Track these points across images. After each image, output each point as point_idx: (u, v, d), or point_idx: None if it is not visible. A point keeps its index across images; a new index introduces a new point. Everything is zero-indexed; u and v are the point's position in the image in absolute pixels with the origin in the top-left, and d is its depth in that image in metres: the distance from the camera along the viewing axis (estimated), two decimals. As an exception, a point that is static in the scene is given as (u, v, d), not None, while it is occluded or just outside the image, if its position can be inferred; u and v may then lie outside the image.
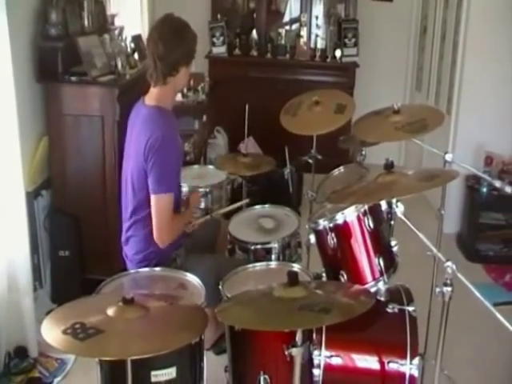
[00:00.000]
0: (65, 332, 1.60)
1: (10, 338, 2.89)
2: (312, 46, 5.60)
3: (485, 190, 4.17)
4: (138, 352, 1.59)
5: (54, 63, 3.24)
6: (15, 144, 2.82)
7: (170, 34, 2.47)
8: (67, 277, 3.39)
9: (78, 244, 3.40)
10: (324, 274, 2.44)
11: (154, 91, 2.56)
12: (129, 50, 3.90)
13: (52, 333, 1.62)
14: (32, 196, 3.20)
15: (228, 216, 3.15)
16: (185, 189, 3.13)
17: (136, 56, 3.90)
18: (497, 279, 3.91)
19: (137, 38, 4.06)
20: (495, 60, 4.28)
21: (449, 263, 1.83)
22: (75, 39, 3.33)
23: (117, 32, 3.90)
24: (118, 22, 4.06)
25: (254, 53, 5.59)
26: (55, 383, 2.86)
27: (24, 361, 2.88)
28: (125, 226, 2.65)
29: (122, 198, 2.65)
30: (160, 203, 2.46)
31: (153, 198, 2.47)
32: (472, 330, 3.28)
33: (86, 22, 3.58)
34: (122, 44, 3.86)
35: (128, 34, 4.04)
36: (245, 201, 3.20)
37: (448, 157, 2.59)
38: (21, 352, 2.91)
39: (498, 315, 1.62)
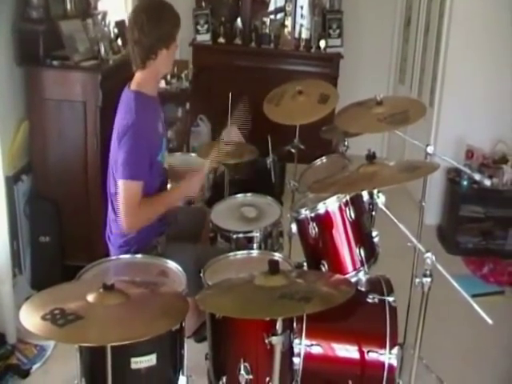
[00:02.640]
0: (44, 318, 1.59)
1: (-12, 324, 2.87)
2: (296, 35, 5.59)
3: (465, 183, 4.21)
4: (117, 338, 1.58)
5: (35, 46, 3.19)
6: (-5, 128, 2.79)
7: (145, 18, 2.43)
8: (47, 263, 3.37)
9: (58, 230, 3.38)
10: (305, 264, 2.45)
11: (136, 76, 2.54)
12: (112, 35, 3.86)
13: (31, 318, 1.60)
14: (12, 181, 3.17)
15: (210, 204, 3.14)
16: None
17: (119, 42, 3.86)
18: (475, 271, 3.95)
19: (120, 24, 4.01)
20: (478, 54, 4.30)
21: (428, 254, 1.85)
22: (57, 23, 3.28)
23: (100, 17, 3.86)
24: (101, 7, 4.01)
25: (239, 41, 5.57)
26: (34, 370, 2.85)
27: (2, 347, 2.85)
28: (109, 209, 2.63)
29: (108, 181, 2.63)
30: (124, 189, 2.42)
31: (118, 182, 2.43)
32: (450, 321, 3.32)
33: (68, 6, 3.53)
34: (105, 29, 3.82)
35: (111, 20, 3.99)
36: None
37: (429, 149, 2.61)
38: (-1, 338, 2.89)
39: (476, 306, 1.65)
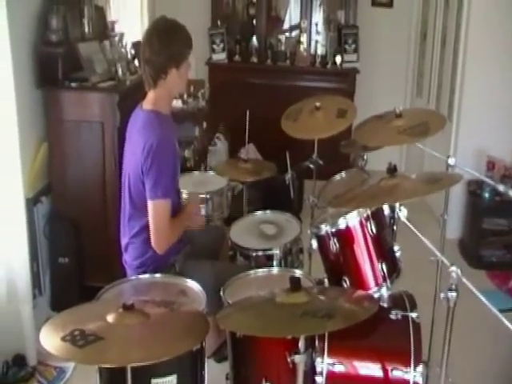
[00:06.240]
0: (64, 339, 1.58)
1: (9, 346, 2.87)
2: (312, 52, 5.60)
3: (487, 195, 4.15)
4: (138, 359, 1.56)
5: (54, 69, 3.23)
6: (15, 150, 2.81)
7: (157, 37, 2.46)
8: (67, 284, 3.37)
9: (77, 251, 3.38)
10: (326, 280, 2.42)
11: (149, 95, 2.55)
12: (129, 56, 3.89)
13: (51, 340, 1.59)
14: (31, 202, 3.18)
15: (229, 222, 3.12)
16: (185, 195, 3.10)
17: (136, 62, 3.89)
18: (500, 285, 3.88)
19: (137, 45, 4.04)
20: (495, 65, 4.28)
21: (453, 268, 1.81)
22: (76, 45, 3.33)
23: (117, 38, 3.89)
24: (118, 29, 4.05)
25: (254, 59, 5.59)
26: (54, 392, 2.84)
27: (22, 369, 2.85)
28: (123, 232, 2.62)
29: (122, 204, 2.63)
30: (157, 209, 2.44)
31: (149, 203, 2.44)
32: (475, 337, 3.25)
33: (86, 29, 3.58)
34: (123, 50, 3.86)
35: (128, 41, 4.03)
36: None
37: (451, 161, 2.57)
38: (19, 360, 2.88)
39: (506, 322, 1.60)
